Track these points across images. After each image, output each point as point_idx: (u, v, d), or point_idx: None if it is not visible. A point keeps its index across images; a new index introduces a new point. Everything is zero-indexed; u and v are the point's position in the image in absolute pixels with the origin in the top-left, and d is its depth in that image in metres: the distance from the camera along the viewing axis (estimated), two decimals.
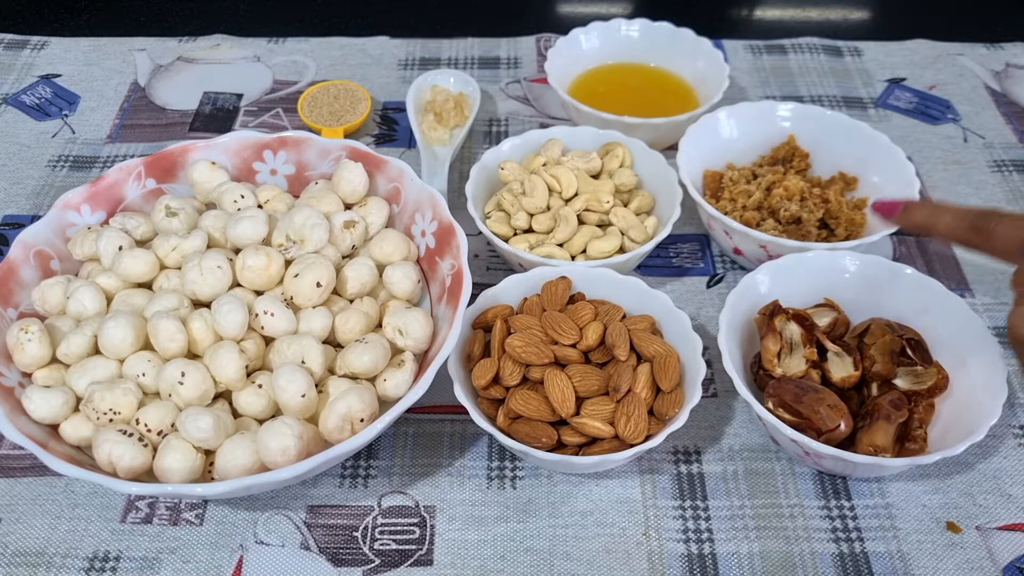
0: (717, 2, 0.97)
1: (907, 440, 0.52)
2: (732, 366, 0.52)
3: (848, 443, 0.51)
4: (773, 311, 0.55)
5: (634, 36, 0.80)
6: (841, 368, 0.54)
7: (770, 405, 0.52)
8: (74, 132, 0.78)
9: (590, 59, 0.80)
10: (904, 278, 0.57)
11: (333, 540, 0.51)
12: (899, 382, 0.54)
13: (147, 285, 0.57)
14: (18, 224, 0.70)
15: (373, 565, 0.50)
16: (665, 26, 0.80)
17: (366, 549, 0.51)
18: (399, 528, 0.52)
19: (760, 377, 0.55)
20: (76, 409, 0.51)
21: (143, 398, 0.51)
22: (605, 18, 0.80)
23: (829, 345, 0.55)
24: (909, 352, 0.54)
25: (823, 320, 0.57)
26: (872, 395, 0.54)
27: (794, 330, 0.55)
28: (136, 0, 0.96)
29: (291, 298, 0.54)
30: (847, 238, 0.63)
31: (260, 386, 0.52)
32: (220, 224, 0.58)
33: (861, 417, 0.52)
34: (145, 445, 0.48)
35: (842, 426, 0.50)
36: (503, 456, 0.55)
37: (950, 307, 0.56)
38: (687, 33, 0.79)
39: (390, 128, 0.79)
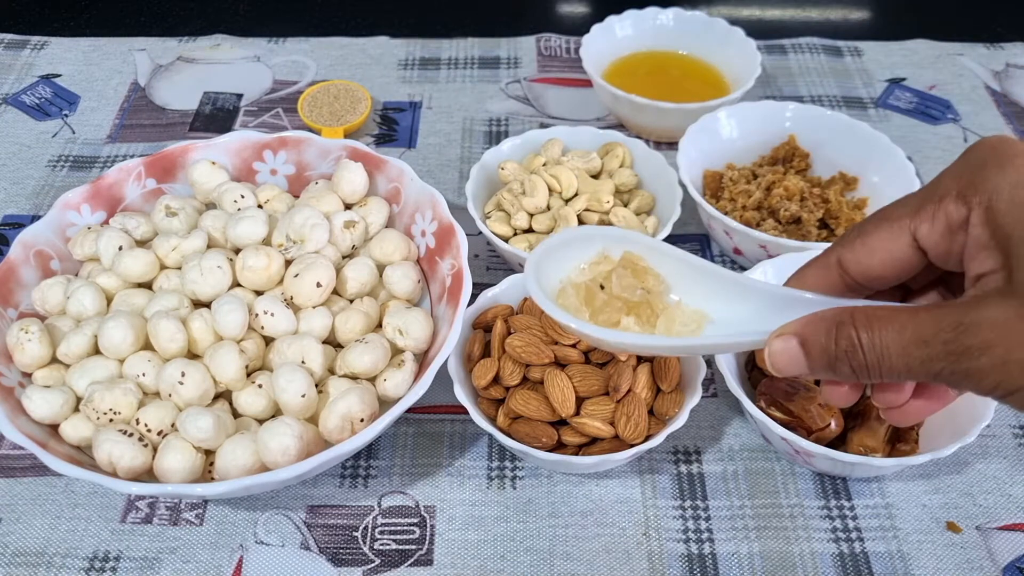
0: (717, 2, 0.98)
1: (899, 441, 0.52)
2: (725, 364, 0.52)
3: (840, 443, 0.52)
4: None
5: (668, 24, 0.82)
6: None
7: (762, 403, 0.52)
8: (74, 132, 0.78)
9: (624, 46, 0.82)
10: None
11: (333, 540, 0.51)
12: None
13: (147, 285, 0.57)
14: (18, 224, 0.70)
15: (373, 565, 0.50)
16: (699, 15, 0.81)
17: (366, 549, 0.51)
18: (399, 528, 0.52)
19: (753, 375, 0.55)
20: (76, 409, 0.51)
21: (143, 398, 0.51)
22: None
23: None
24: None
25: None
26: (865, 396, 0.54)
27: None
28: (136, 0, 0.96)
29: (291, 298, 0.54)
30: None
31: (260, 386, 0.52)
32: (220, 224, 0.58)
33: (853, 417, 0.52)
34: (145, 445, 0.48)
35: (832, 425, 0.50)
36: (503, 456, 0.55)
37: None
38: (720, 23, 0.80)
39: (390, 128, 0.79)
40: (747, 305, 0.37)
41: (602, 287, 0.40)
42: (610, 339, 0.38)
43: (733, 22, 0.80)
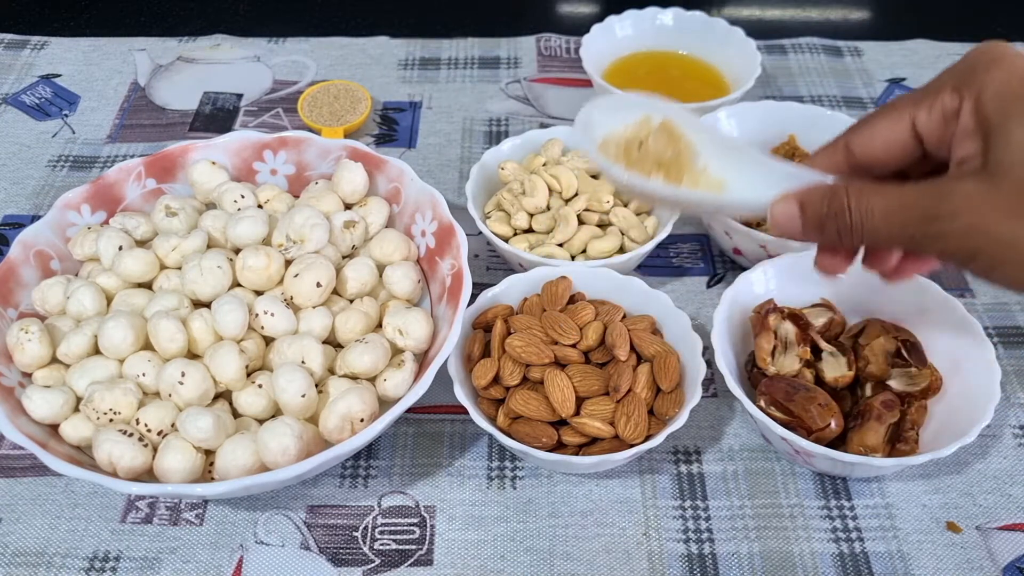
0: (717, 2, 0.98)
1: (899, 441, 0.52)
2: (725, 364, 0.52)
3: (840, 443, 0.51)
4: (768, 310, 0.55)
5: (668, 24, 0.82)
6: (834, 368, 0.54)
7: (762, 403, 0.52)
8: (74, 132, 0.78)
9: (624, 46, 0.82)
10: None
11: (333, 540, 0.51)
12: (893, 383, 0.54)
13: (147, 285, 0.57)
14: (18, 224, 0.70)
15: (373, 565, 0.50)
16: (698, 15, 0.82)
17: (366, 549, 0.51)
18: (399, 528, 0.52)
19: (753, 375, 0.55)
20: (76, 409, 0.51)
21: (143, 398, 0.51)
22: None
23: (823, 345, 0.55)
24: (904, 354, 0.54)
25: (819, 320, 0.57)
26: (865, 396, 0.54)
27: (788, 329, 0.55)
28: (136, 0, 0.96)
29: (291, 298, 0.54)
30: None
31: (260, 386, 0.52)
32: (220, 224, 0.58)
33: (853, 417, 0.52)
34: (145, 445, 0.48)
35: (832, 425, 0.50)
36: (503, 456, 0.55)
37: (946, 309, 0.56)
38: (720, 23, 0.80)
39: (390, 128, 0.79)
40: (762, 178, 0.42)
41: (640, 147, 0.45)
42: (641, 185, 0.43)
43: (733, 22, 0.80)
